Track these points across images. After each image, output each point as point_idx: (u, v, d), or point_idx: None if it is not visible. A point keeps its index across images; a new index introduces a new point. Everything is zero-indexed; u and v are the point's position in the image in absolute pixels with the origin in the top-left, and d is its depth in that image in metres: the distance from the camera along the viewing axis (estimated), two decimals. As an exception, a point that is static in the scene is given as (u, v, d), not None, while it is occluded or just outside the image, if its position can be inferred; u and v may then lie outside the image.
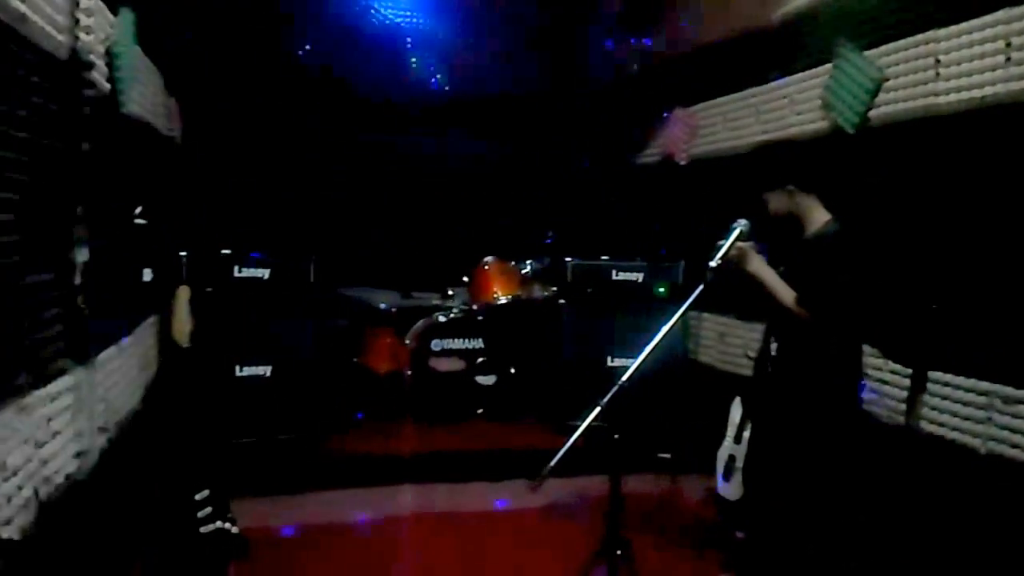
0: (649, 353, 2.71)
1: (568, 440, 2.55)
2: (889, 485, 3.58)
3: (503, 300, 6.00)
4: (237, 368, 5.01)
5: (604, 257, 5.82)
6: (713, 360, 5.43)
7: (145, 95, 4.04)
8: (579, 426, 2.56)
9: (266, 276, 5.12)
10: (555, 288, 5.98)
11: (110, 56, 3.25)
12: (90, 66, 2.96)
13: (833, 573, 3.35)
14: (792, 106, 4.61)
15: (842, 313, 3.10)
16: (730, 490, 3.84)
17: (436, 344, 5.86)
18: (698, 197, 5.66)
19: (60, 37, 2.69)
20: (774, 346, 3.40)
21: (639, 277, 5.76)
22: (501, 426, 5.76)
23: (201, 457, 4.24)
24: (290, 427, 5.09)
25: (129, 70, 3.51)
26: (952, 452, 3.32)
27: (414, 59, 6.83)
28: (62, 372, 2.66)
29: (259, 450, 4.95)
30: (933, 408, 3.45)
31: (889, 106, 3.80)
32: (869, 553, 3.57)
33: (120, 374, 3.46)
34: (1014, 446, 3.07)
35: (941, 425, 3.40)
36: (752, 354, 3.74)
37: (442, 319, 5.96)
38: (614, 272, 5.76)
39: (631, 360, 2.70)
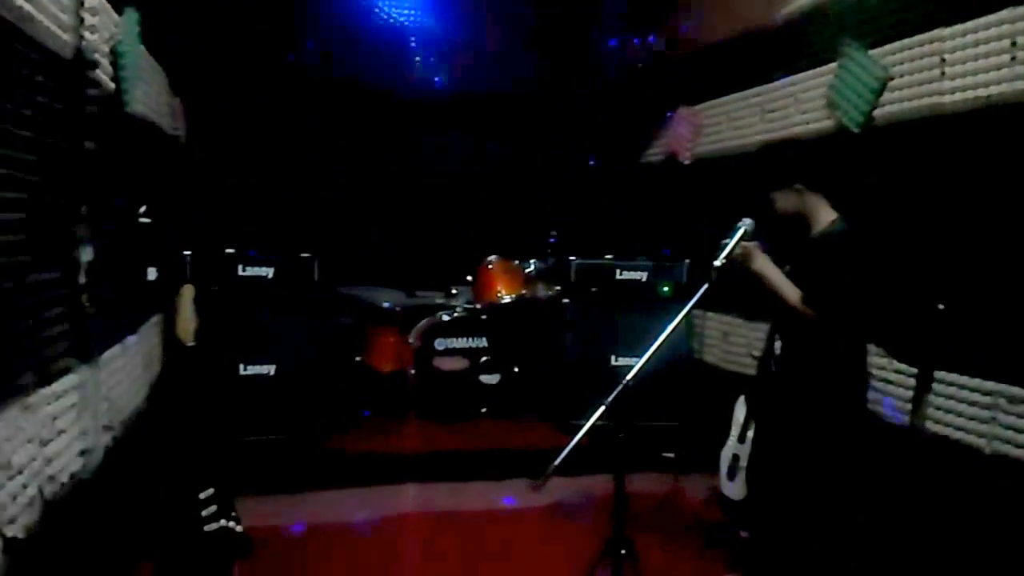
0: (653, 352, 2.71)
1: (572, 439, 2.54)
2: (893, 485, 3.57)
3: (507, 299, 6.00)
4: (241, 367, 5.02)
5: (608, 256, 5.82)
6: (717, 359, 5.43)
7: (149, 94, 4.05)
8: (583, 425, 2.56)
9: (270, 275, 5.13)
10: (559, 287, 5.98)
11: (115, 55, 3.26)
12: (95, 65, 2.97)
13: (837, 573, 3.35)
14: (797, 105, 4.61)
15: (848, 312, 3.10)
16: (734, 490, 3.84)
17: (440, 343, 5.86)
18: (702, 196, 5.66)
19: (65, 36, 2.69)
20: (778, 345, 3.39)
21: (643, 276, 5.76)
22: (505, 425, 5.76)
23: (205, 456, 4.24)
24: (294, 426, 5.09)
25: (133, 69, 3.51)
26: (956, 452, 3.31)
27: (417, 58, 6.83)
28: (67, 371, 2.66)
29: (263, 449, 4.95)
30: (938, 408, 3.44)
31: (894, 105, 3.79)
32: (873, 553, 3.56)
33: (124, 373, 3.46)
34: (1019, 446, 3.06)
35: (946, 425, 3.39)
36: (757, 353, 3.73)
37: (446, 318, 5.96)
38: (618, 271, 5.76)
39: (635, 359, 2.70)
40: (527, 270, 6.25)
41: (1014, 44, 3.14)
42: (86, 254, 2.85)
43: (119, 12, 3.37)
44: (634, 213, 6.68)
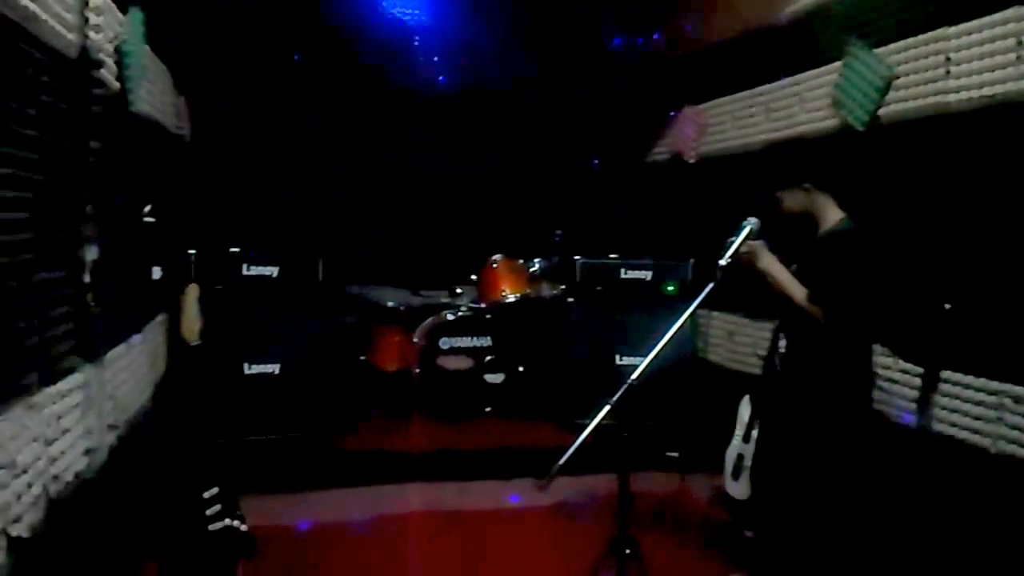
0: (658, 352, 2.70)
1: (577, 439, 2.54)
2: (898, 485, 3.57)
3: (511, 298, 5.99)
4: (245, 366, 5.03)
5: (613, 255, 5.81)
6: (722, 359, 5.42)
7: (154, 94, 4.05)
8: (588, 425, 2.56)
9: (274, 274, 5.13)
10: (564, 286, 5.98)
11: (119, 55, 3.26)
12: (99, 65, 2.97)
13: (842, 572, 3.34)
14: (802, 104, 4.60)
15: (854, 311, 3.09)
16: (738, 489, 3.84)
17: (444, 342, 5.86)
18: (707, 195, 5.65)
19: (70, 36, 2.70)
20: (783, 344, 3.39)
21: (648, 275, 5.75)
22: (509, 424, 5.76)
23: (210, 454, 4.25)
24: (298, 425, 5.10)
25: (138, 69, 3.52)
26: (962, 452, 3.30)
27: (421, 57, 6.83)
28: (71, 370, 2.67)
29: (267, 448, 4.96)
30: (943, 408, 3.43)
31: (899, 104, 3.78)
32: (878, 553, 3.56)
33: (129, 372, 3.47)
34: (1024, 446, 3.06)
35: (951, 425, 3.38)
36: (762, 353, 3.73)
37: (450, 317, 5.96)
38: (623, 271, 5.75)
39: (639, 359, 2.69)
40: (532, 269, 6.24)
41: (1020, 43, 3.13)
42: (91, 253, 2.86)
43: (123, 11, 3.37)
44: (639, 212, 6.67)
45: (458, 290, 6.50)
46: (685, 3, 6.13)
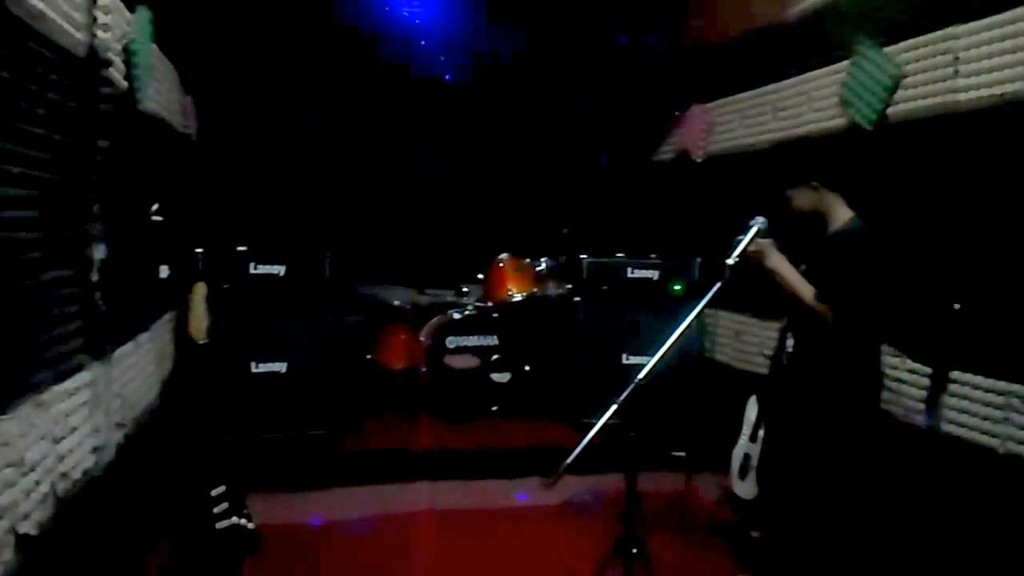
0: (665, 351, 2.70)
1: (584, 438, 2.54)
2: (906, 485, 3.56)
3: (518, 297, 5.99)
4: (252, 364, 5.04)
5: (620, 255, 5.81)
6: (729, 358, 5.41)
7: (161, 92, 4.06)
8: (594, 424, 2.56)
9: (282, 273, 5.14)
10: (570, 286, 5.97)
11: (127, 53, 3.27)
12: (107, 63, 2.98)
13: (848, 573, 3.33)
14: (810, 103, 4.58)
15: (863, 311, 3.08)
16: (745, 489, 3.83)
17: (451, 341, 5.86)
18: (714, 194, 5.64)
19: (78, 35, 2.70)
20: (790, 343, 3.38)
21: (655, 275, 5.74)
22: (516, 423, 5.75)
23: (217, 453, 4.26)
24: (305, 423, 5.10)
25: (146, 68, 3.53)
26: (970, 452, 3.29)
27: (426, 55, 6.83)
28: (79, 368, 2.67)
29: (274, 446, 4.97)
30: (951, 408, 3.42)
31: (908, 103, 3.76)
32: (885, 553, 3.55)
33: (137, 370, 3.48)
34: (1033, 446, 3.04)
35: (959, 425, 3.37)
36: (769, 352, 3.72)
37: (457, 316, 5.96)
38: (629, 270, 5.75)
39: (646, 358, 2.69)
40: (538, 268, 6.23)
41: (1030, 41, 3.12)
42: (99, 252, 2.86)
43: (131, 10, 3.38)
44: (646, 211, 6.67)
45: (464, 289, 6.49)
46: (693, 1, 6.11)
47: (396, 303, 6.41)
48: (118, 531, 3.05)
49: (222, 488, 3.48)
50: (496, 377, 5.93)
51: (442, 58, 6.90)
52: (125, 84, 3.27)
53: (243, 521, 3.46)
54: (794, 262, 3.23)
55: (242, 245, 5.11)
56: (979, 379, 3.29)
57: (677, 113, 6.21)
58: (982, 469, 3.22)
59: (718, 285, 2.96)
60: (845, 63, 4.18)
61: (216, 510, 3.41)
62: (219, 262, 4.96)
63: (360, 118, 6.63)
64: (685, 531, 4.22)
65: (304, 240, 5.65)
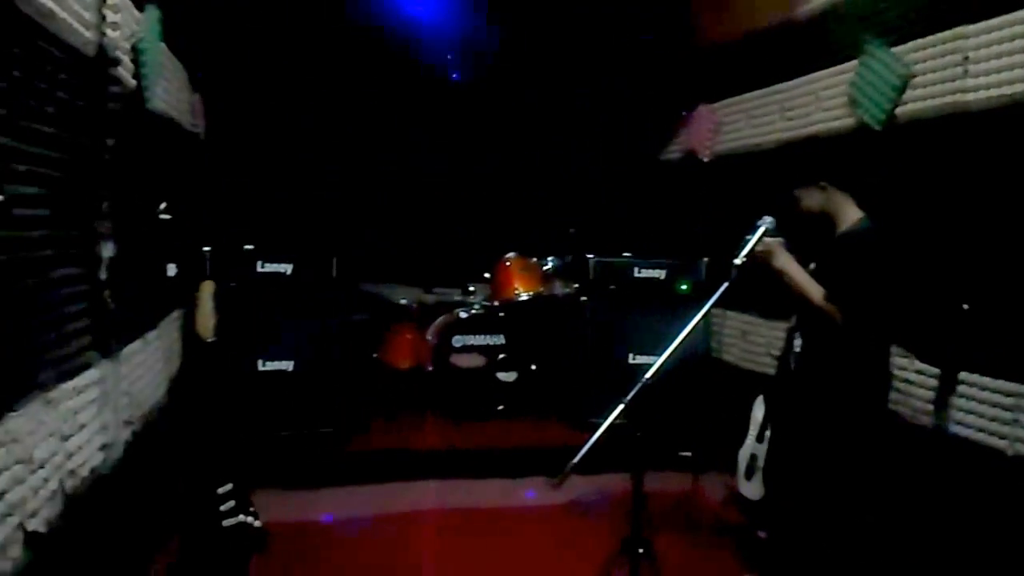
0: (672, 351, 2.70)
1: (591, 438, 2.54)
2: (913, 486, 3.54)
3: (524, 297, 5.99)
4: (259, 363, 5.05)
5: (626, 254, 5.80)
6: (736, 358, 5.40)
7: (170, 91, 4.07)
8: (601, 423, 2.56)
9: (288, 271, 5.15)
10: (577, 285, 5.97)
11: (136, 52, 3.27)
12: (116, 62, 2.98)
13: (855, 574, 3.33)
14: (818, 103, 4.57)
15: (872, 311, 3.07)
16: (752, 489, 3.83)
17: (457, 340, 5.87)
18: (721, 194, 5.63)
19: (87, 34, 2.71)
20: (798, 344, 3.37)
21: (661, 274, 5.73)
22: (522, 423, 5.76)
23: (224, 451, 4.27)
24: (311, 422, 5.11)
25: (154, 66, 3.53)
26: (978, 453, 3.27)
27: (435, 54, 6.83)
28: (88, 366, 2.68)
29: (281, 444, 4.98)
30: (959, 409, 3.41)
31: (917, 103, 3.75)
32: (892, 554, 3.54)
33: (145, 368, 3.49)
34: (1042, 448, 3.03)
35: (967, 426, 3.36)
36: (776, 352, 3.71)
37: (463, 315, 5.96)
38: (636, 269, 5.73)
39: (653, 358, 2.69)
40: (545, 268, 6.24)
41: (1039, 41, 3.10)
42: (107, 250, 2.87)
43: (140, 9, 3.39)
44: (652, 211, 6.66)
45: (471, 288, 6.51)
46: (700, 1, 6.10)
47: (402, 302, 6.42)
48: (126, 529, 3.06)
49: (229, 486, 3.49)
50: (502, 376, 5.93)
51: (449, 57, 6.91)
52: (134, 83, 3.28)
53: (250, 519, 3.47)
54: (802, 262, 3.23)
55: (249, 244, 5.12)
56: (987, 380, 3.27)
57: (684, 113, 6.20)
58: (990, 471, 3.20)
59: (725, 285, 2.95)
60: (853, 63, 4.17)
61: (223, 508, 3.42)
62: (226, 260, 4.98)
63: (367, 117, 6.64)
64: (691, 531, 4.22)
65: (311, 239, 5.66)
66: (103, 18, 2.87)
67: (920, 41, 3.72)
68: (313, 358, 5.15)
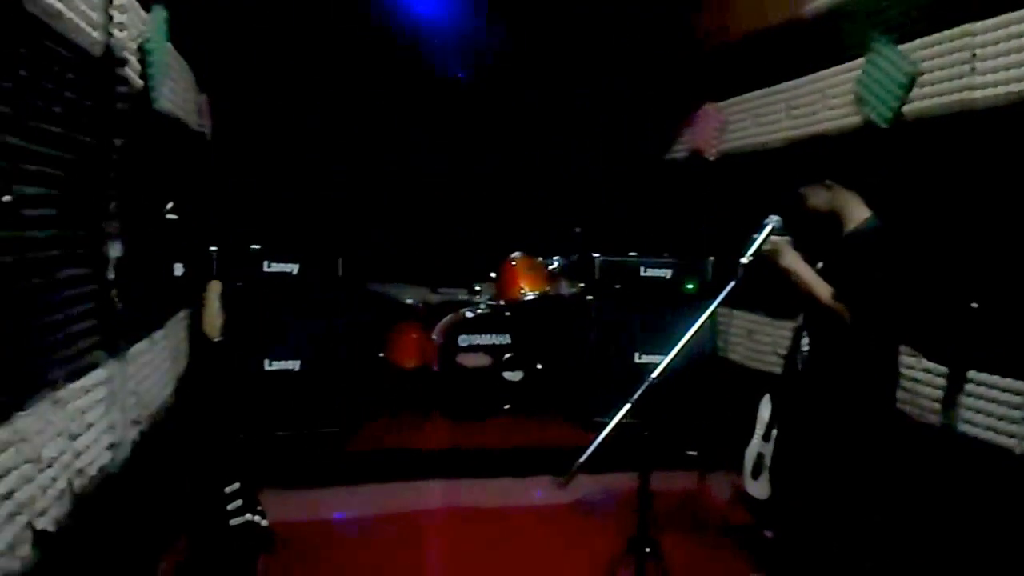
0: (679, 350, 2.69)
1: (598, 437, 2.54)
2: (921, 485, 3.53)
3: (530, 296, 5.99)
4: (266, 362, 5.06)
5: (632, 253, 5.80)
6: (742, 357, 5.39)
7: (176, 91, 4.07)
8: (607, 423, 2.56)
9: (295, 271, 5.16)
10: (583, 284, 5.97)
11: (143, 52, 3.28)
12: (123, 62, 2.99)
13: (863, 573, 3.32)
14: (824, 101, 4.56)
15: (880, 310, 3.07)
16: (758, 489, 3.82)
17: (463, 340, 5.87)
18: (727, 193, 5.62)
19: (94, 34, 2.72)
20: (805, 343, 3.37)
21: (667, 274, 5.73)
22: (528, 422, 5.76)
23: (231, 450, 4.27)
24: (318, 421, 5.12)
25: (161, 67, 3.54)
26: (986, 452, 3.26)
27: (441, 53, 6.83)
28: (95, 365, 2.69)
29: (288, 444, 4.99)
30: (967, 408, 3.39)
31: (923, 101, 3.74)
32: (899, 553, 3.53)
33: (152, 367, 3.49)
34: (1051, 447, 3.02)
35: (975, 425, 3.35)
36: (783, 352, 3.70)
37: (469, 315, 5.96)
38: (642, 268, 5.74)
39: (659, 357, 2.69)
40: (551, 267, 6.23)
41: (1047, 39, 3.09)
42: (115, 250, 2.88)
43: (147, 9, 3.39)
44: (658, 210, 6.65)
45: (477, 287, 6.50)
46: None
47: (408, 301, 6.43)
48: (134, 528, 3.06)
49: (236, 485, 3.50)
50: (508, 376, 5.93)
51: (456, 57, 6.90)
52: (141, 83, 3.28)
53: (257, 518, 3.48)
54: (810, 261, 3.22)
55: (256, 243, 5.13)
56: (996, 378, 3.26)
57: (690, 111, 6.19)
58: (999, 470, 3.19)
59: (731, 284, 2.95)
60: (860, 61, 4.16)
61: (230, 507, 3.43)
62: (233, 260, 4.99)
63: (374, 118, 6.64)
64: (698, 530, 4.21)
65: (317, 239, 5.67)
66: (110, 18, 2.87)
67: (927, 39, 3.72)
68: (319, 358, 5.16)
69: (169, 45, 3.77)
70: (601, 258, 5.74)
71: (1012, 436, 3.16)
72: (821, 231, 3.28)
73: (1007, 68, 3.26)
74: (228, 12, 5.23)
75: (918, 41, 3.77)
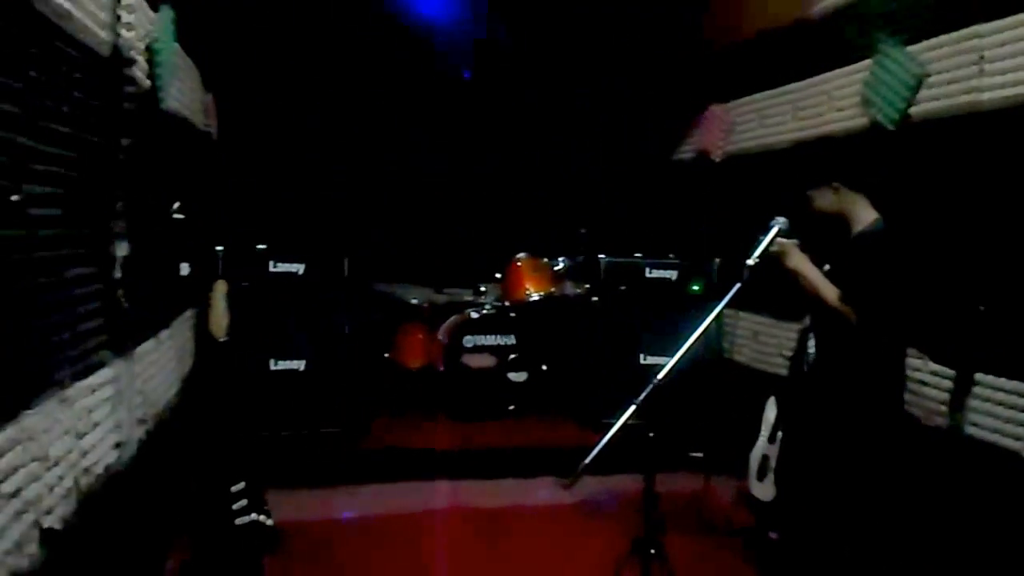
0: (684, 352, 2.69)
1: (603, 438, 2.54)
2: (928, 488, 3.53)
3: (536, 297, 5.99)
4: (271, 362, 5.07)
5: (638, 255, 5.79)
6: (748, 359, 5.38)
7: (183, 91, 4.09)
8: (613, 424, 2.55)
9: (301, 271, 5.17)
10: (588, 285, 5.96)
11: (150, 52, 3.29)
12: (131, 62, 3.00)
13: (867, 575, 3.31)
14: (831, 103, 4.55)
15: (887, 312, 3.06)
16: (763, 490, 3.81)
17: (468, 340, 5.87)
18: (733, 195, 5.61)
19: (102, 34, 2.73)
20: (811, 345, 3.36)
21: (673, 275, 5.73)
22: (533, 423, 5.76)
23: (236, 450, 4.28)
24: (322, 421, 5.13)
25: (168, 66, 3.55)
26: (993, 455, 3.25)
27: (446, 53, 6.84)
28: (102, 364, 2.70)
29: (293, 443, 4.99)
30: (974, 410, 3.39)
31: (931, 103, 3.73)
32: (905, 556, 3.52)
33: (158, 367, 3.50)
34: (1058, 450, 3.01)
35: (982, 428, 3.34)
36: (788, 353, 3.70)
37: (475, 315, 5.97)
38: (648, 270, 5.73)
39: (664, 358, 2.69)
40: (556, 268, 6.23)
41: (1055, 41, 3.09)
42: (122, 249, 2.89)
43: (154, 9, 3.41)
44: (664, 211, 6.64)
45: (482, 288, 6.51)
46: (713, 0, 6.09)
47: (414, 302, 6.43)
48: (140, 526, 3.07)
49: (242, 485, 3.50)
50: (513, 376, 5.94)
51: (461, 57, 6.91)
52: (148, 83, 3.30)
53: (262, 517, 3.49)
54: (816, 263, 3.21)
55: (262, 243, 5.14)
56: (1003, 381, 3.25)
57: (696, 112, 6.19)
58: (1005, 472, 3.18)
59: (737, 286, 2.95)
60: (866, 62, 4.15)
61: (236, 506, 3.43)
62: (239, 260, 5.00)
63: (379, 118, 6.64)
64: (703, 532, 4.21)
65: (323, 239, 5.68)
66: (118, 18, 2.89)
67: (934, 40, 3.71)
68: (324, 358, 5.17)
69: (176, 45, 3.79)
70: (606, 259, 5.74)
71: (1019, 439, 3.15)
72: (828, 233, 3.28)
73: (1015, 70, 3.26)
74: (234, 12, 5.25)
75: (925, 43, 3.77)
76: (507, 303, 6.10)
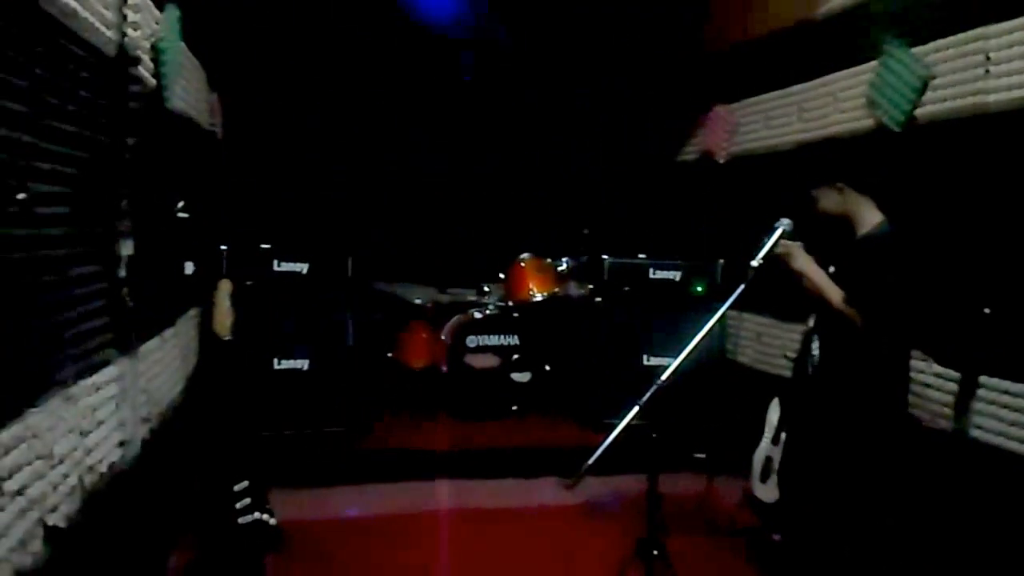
0: (688, 353, 2.69)
1: (606, 439, 2.54)
2: (932, 490, 3.52)
3: (539, 297, 5.99)
4: (275, 361, 5.07)
5: (641, 255, 5.79)
6: (751, 360, 5.38)
7: (189, 91, 4.09)
8: (616, 425, 2.55)
9: (305, 271, 5.18)
10: (591, 286, 5.96)
11: (156, 52, 3.30)
12: (137, 61, 3.00)
13: (871, 577, 3.31)
14: (836, 104, 4.54)
15: (892, 314, 3.05)
16: (767, 492, 3.81)
17: (472, 340, 5.88)
18: (737, 196, 5.61)
19: (108, 33, 2.73)
20: (815, 346, 3.36)
21: (676, 276, 5.72)
22: (536, 423, 5.76)
23: (240, 449, 4.28)
24: (326, 420, 5.13)
25: (174, 66, 3.56)
26: (998, 458, 3.25)
27: (448, 54, 6.84)
28: (107, 363, 2.70)
29: (296, 443, 5.00)
30: (979, 413, 3.38)
31: (936, 104, 3.72)
32: (909, 559, 3.51)
33: (162, 365, 3.51)
34: (1063, 453, 3.00)
35: (987, 430, 3.33)
36: (792, 355, 3.69)
37: (478, 315, 5.97)
38: (651, 270, 5.73)
39: (667, 359, 2.69)
40: (559, 268, 6.23)
41: (1062, 42, 3.08)
42: (126, 248, 2.89)
43: (160, 8, 3.41)
44: (668, 212, 6.64)
45: (486, 288, 6.51)
46: (718, 1, 6.08)
47: (417, 302, 6.43)
48: (143, 525, 3.08)
49: (245, 483, 3.51)
50: (516, 377, 5.94)
51: (465, 57, 6.91)
52: (154, 82, 3.30)
53: (265, 517, 3.49)
54: (821, 264, 3.21)
55: (266, 243, 5.15)
56: (1008, 383, 3.25)
57: (701, 113, 6.18)
58: (1010, 475, 3.18)
59: (741, 287, 2.95)
60: (872, 64, 4.14)
61: (239, 505, 3.43)
62: (243, 259, 5.00)
63: (384, 118, 6.65)
64: (706, 533, 4.20)
65: (327, 238, 5.68)
66: (124, 17, 2.89)
67: (940, 42, 3.70)
68: (328, 357, 5.17)
69: (182, 44, 3.79)
70: (610, 260, 5.74)
71: (1023, 441, 3.14)
72: (832, 235, 3.27)
73: (1021, 72, 3.25)
74: (240, 12, 5.26)
75: (931, 44, 3.76)
76: (510, 303, 6.10)
